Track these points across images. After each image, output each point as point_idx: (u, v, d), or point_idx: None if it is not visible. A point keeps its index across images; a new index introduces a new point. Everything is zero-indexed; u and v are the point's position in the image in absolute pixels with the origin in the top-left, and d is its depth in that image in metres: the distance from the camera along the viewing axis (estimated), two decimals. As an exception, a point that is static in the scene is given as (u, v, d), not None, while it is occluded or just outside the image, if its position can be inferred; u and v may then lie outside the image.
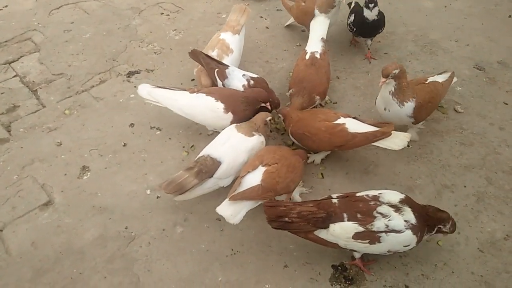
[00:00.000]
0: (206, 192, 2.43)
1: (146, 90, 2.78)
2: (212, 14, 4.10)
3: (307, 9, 3.41)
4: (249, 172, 2.27)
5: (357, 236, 2.01)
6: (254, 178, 2.24)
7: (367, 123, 2.55)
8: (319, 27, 3.18)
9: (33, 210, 2.50)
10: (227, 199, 2.21)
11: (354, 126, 2.53)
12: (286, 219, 2.07)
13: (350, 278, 2.19)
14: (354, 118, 2.59)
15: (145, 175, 2.69)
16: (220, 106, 2.67)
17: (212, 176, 2.38)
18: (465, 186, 2.60)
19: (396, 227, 2.00)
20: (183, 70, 3.46)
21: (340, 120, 2.55)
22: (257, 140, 2.51)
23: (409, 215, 2.03)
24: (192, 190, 2.36)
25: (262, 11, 4.13)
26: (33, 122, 3.04)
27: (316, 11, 3.28)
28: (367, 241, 2.02)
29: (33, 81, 3.39)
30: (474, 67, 3.44)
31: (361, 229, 2.01)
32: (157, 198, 2.57)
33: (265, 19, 4.02)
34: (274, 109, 2.85)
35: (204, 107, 2.70)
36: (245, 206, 2.21)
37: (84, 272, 2.23)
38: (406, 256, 2.27)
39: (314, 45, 3.07)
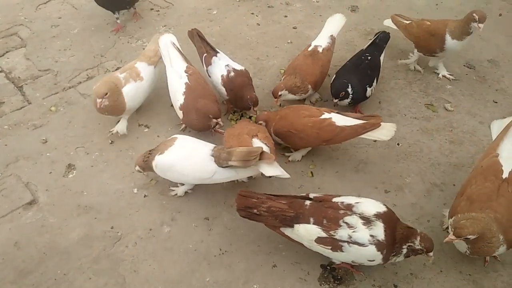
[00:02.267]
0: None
1: (165, 41, 2.90)
2: (203, 10, 4.05)
3: (435, 30, 3.09)
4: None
5: (319, 240, 2.01)
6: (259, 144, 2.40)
7: (352, 117, 2.55)
8: (333, 24, 3.17)
9: (17, 210, 2.45)
10: (265, 164, 2.23)
11: (341, 120, 2.53)
12: (255, 211, 2.11)
13: (339, 277, 2.17)
14: (337, 112, 2.58)
15: (132, 173, 2.64)
16: (180, 99, 2.71)
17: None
18: (454, 185, 2.59)
19: (359, 240, 1.95)
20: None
21: (326, 115, 2.55)
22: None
23: (378, 230, 1.94)
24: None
25: (254, 7, 4.09)
26: (18, 119, 2.98)
27: (448, 37, 3.02)
28: (330, 247, 2.00)
29: (19, 77, 3.33)
30: (464, 65, 3.44)
31: (324, 234, 1.99)
32: (144, 197, 2.53)
33: (256, 16, 3.99)
34: (253, 106, 2.81)
35: (173, 89, 2.79)
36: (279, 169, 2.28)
37: (69, 273, 2.18)
38: (396, 256, 2.26)
39: (321, 39, 3.08)
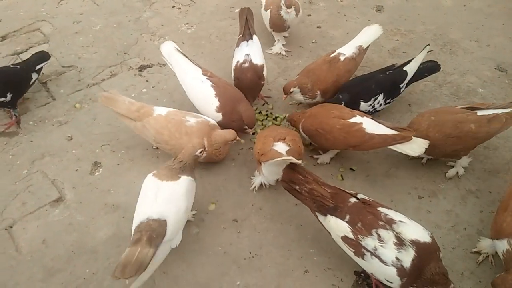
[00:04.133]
0: (159, 263, 2.01)
1: (168, 49, 2.80)
2: (225, 8, 4.01)
3: None
4: (271, 147, 2.32)
5: (345, 239, 1.96)
6: (283, 148, 2.31)
7: (384, 125, 2.44)
8: (367, 34, 3.04)
9: (44, 207, 2.42)
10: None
11: (372, 126, 2.42)
12: (297, 187, 2.13)
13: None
14: (371, 118, 2.49)
15: (159, 172, 2.61)
16: (215, 103, 2.63)
17: (163, 240, 1.97)
18: (490, 192, 2.52)
19: (383, 257, 1.86)
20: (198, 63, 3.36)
21: (357, 119, 2.45)
22: (186, 181, 2.15)
23: (407, 257, 1.83)
24: (150, 265, 1.89)
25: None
26: (42, 115, 2.96)
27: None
28: (353, 250, 1.95)
29: (43, 72, 3.29)
30: (495, 68, 3.35)
31: (351, 236, 1.94)
32: (172, 196, 2.49)
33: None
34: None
35: (202, 95, 2.69)
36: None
37: (98, 272, 2.15)
38: (432, 263, 2.19)
39: (347, 48, 2.96)
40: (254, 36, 3.04)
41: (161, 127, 2.45)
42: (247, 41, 2.99)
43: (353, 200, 2.04)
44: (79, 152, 2.72)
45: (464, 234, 2.32)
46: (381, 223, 1.92)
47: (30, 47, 3.53)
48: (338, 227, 1.98)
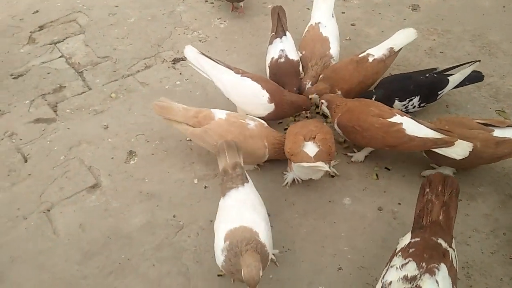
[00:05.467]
0: None
1: (193, 54, 2.72)
2: (258, 4, 3.99)
3: None
4: (301, 148, 2.27)
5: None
6: (311, 148, 2.26)
7: (425, 126, 2.36)
8: (400, 37, 2.93)
9: (81, 192, 2.46)
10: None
11: (413, 127, 2.35)
12: (428, 190, 2.00)
13: (409, 285, 2.08)
14: (411, 117, 2.42)
15: (192, 164, 2.62)
16: (265, 94, 2.61)
17: None
18: (530, 197, 2.46)
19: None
20: (229, 59, 3.35)
21: (397, 119, 2.38)
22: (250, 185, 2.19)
23: None
24: None
25: (309, 2, 3.96)
26: (79, 103, 3.01)
27: None
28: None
29: (79, 62, 3.36)
30: (538, 69, 3.26)
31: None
32: (205, 188, 2.51)
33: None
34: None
35: (248, 91, 2.64)
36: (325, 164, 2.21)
37: (133, 258, 2.17)
38: (470, 268, 2.15)
39: (377, 49, 2.88)
40: (287, 33, 3.03)
41: (225, 131, 2.40)
42: (281, 38, 2.98)
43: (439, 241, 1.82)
44: (115, 140, 2.75)
45: (503, 239, 2.26)
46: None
47: (66, 37, 3.60)
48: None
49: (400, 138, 2.36)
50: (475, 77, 2.84)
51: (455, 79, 2.75)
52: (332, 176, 2.55)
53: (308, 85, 2.89)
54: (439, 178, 2.01)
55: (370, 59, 2.83)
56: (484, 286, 2.09)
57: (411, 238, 1.86)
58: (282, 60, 2.85)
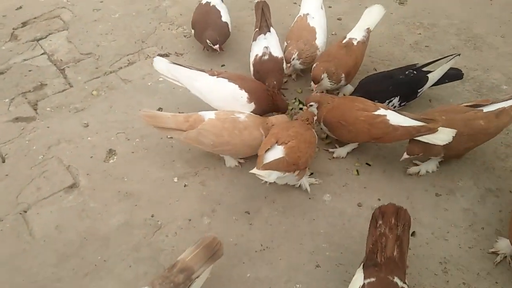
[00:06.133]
0: None
1: (163, 65, 2.66)
2: (244, -1, 3.97)
3: None
4: (268, 149, 2.23)
5: None
6: (276, 154, 2.21)
7: (408, 117, 2.40)
8: (370, 16, 3.00)
9: (58, 192, 2.44)
10: (256, 168, 2.16)
11: (396, 118, 2.39)
12: (381, 222, 1.91)
13: (386, 282, 2.07)
14: (394, 110, 2.46)
15: (172, 162, 2.60)
16: (244, 94, 2.58)
17: None
18: (510, 191, 2.44)
19: None
20: (213, 55, 3.34)
21: (381, 111, 2.42)
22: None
23: None
24: None
25: (297, -3, 3.97)
26: (60, 101, 2.98)
27: None
28: None
29: (61, 59, 3.33)
30: (522, 63, 3.24)
31: None
32: (185, 186, 2.49)
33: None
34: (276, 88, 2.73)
35: (226, 93, 2.60)
36: (275, 172, 2.16)
37: (109, 259, 2.16)
38: (447, 263, 2.14)
39: (356, 32, 2.93)
40: (272, 29, 2.99)
41: (219, 129, 2.39)
42: (265, 34, 2.94)
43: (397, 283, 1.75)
44: (95, 139, 2.73)
45: (481, 234, 2.25)
46: None
47: (49, 34, 3.56)
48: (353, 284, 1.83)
49: (384, 129, 2.38)
50: (454, 75, 2.83)
51: (434, 75, 2.75)
52: (310, 173, 2.54)
53: (295, 55, 2.87)
54: (391, 210, 1.93)
55: (355, 42, 2.87)
56: (461, 281, 2.08)
57: (364, 278, 1.76)
58: (266, 57, 2.82)
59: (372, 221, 1.95)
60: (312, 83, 2.76)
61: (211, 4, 3.28)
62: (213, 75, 2.63)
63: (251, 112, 2.60)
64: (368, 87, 2.74)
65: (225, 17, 3.22)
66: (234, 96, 2.59)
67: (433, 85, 2.79)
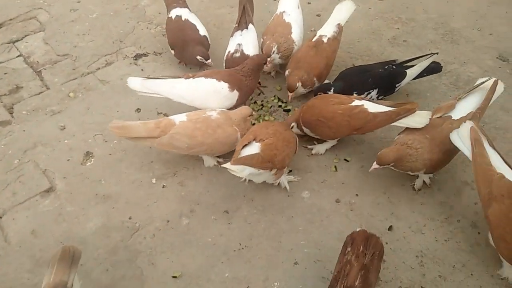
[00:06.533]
0: None
1: (138, 83, 2.59)
2: (223, -4, 3.94)
3: None
4: (245, 145, 2.23)
5: None
6: (252, 150, 2.21)
7: (384, 104, 2.44)
8: (341, 11, 3.01)
9: (34, 197, 2.41)
10: (229, 163, 2.15)
11: (373, 106, 2.42)
12: (349, 249, 1.88)
13: (363, 278, 2.08)
14: (368, 100, 2.49)
15: (151, 163, 2.59)
16: (224, 85, 2.58)
17: None
18: (486, 184, 2.47)
19: None
20: (192, 53, 3.32)
21: (357, 102, 2.44)
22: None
23: None
24: None
25: (276, -6, 3.96)
26: (36, 104, 2.94)
27: None
28: None
29: (37, 61, 3.28)
30: (497, 57, 3.27)
31: None
32: (163, 187, 2.47)
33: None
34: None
35: (206, 90, 2.59)
36: (248, 168, 2.15)
37: (86, 263, 2.14)
38: (424, 256, 2.16)
39: (327, 29, 2.93)
40: (250, 26, 2.98)
41: (192, 130, 2.37)
42: (242, 30, 2.94)
43: None
44: (72, 141, 2.70)
45: (457, 226, 2.28)
46: None
47: (26, 35, 3.51)
48: None
49: (364, 118, 2.40)
50: (433, 68, 2.84)
51: (413, 72, 2.76)
52: (289, 170, 2.54)
53: (274, 48, 2.85)
54: (362, 237, 1.89)
55: (325, 39, 2.86)
56: (437, 274, 2.11)
57: None
58: (238, 55, 2.82)
59: (342, 249, 1.91)
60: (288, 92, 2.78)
61: (183, 19, 3.13)
62: (188, 78, 2.61)
63: (237, 99, 2.62)
64: (348, 78, 2.75)
65: (202, 30, 3.11)
66: (215, 89, 2.58)
67: (412, 79, 2.81)
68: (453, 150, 2.29)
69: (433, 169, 2.34)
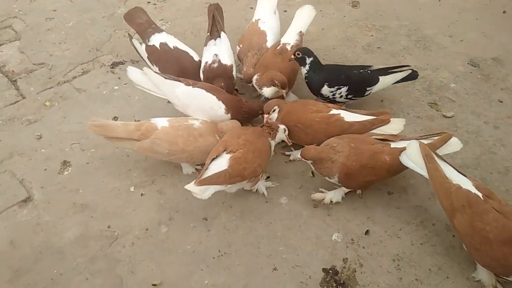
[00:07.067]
0: None
1: (137, 74, 2.61)
2: (200, 4, 3.98)
3: None
4: (214, 158, 2.23)
5: None
6: (220, 164, 2.20)
7: (361, 114, 2.54)
8: (302, 18, 3.04)
9: (12, 207, 2.38)
10: (194, 182, 2.15)
11: (350, 115, 2.52)
12: None
13: (341, 282, 2.12)
14: (345, 109, 2.57)
15: (128, 171, 2.59)
16: (222, 106, 2.60)
17: None
18: (459, 186, 2.54)
19: None
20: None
21: (334, 111, 2.52)
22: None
23: None
24: None
25: (253, 1, 3.99)
26: (12, 114, 2.91)
27: None
28: None
29: (13, 70, 3.26)
30: (468, 63, 3.37)
31: None
32: (141, 195, 2.47)
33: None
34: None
35: (205, 103, 2.60)
36: (214, 187, 2.17)
37: (65, 273, 2.12)
38: (400, 260, 2.21)
39: (289, 37, 2.97)
40: (222, 34, 2.98)
41: (174, 136, 2.37)
42: (215, 39, 2.94)
43: None
44: (48, 151, 2.68)
45: (432, 230, 2.33)
46: None
47: (0, 45, 3.47)
48: None
49: (341, 126, 2.48)
50: (409, 75, 2.88)
51: (385, 80, 2.82)
52: (267, 177, 2.57)
53: (254, 76, 2.84)
54: None
55: (289, 47, 2.90)
56: (413, 277, 2.15)
57: None
58: (216, 65, 2.82)
59: None
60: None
61: (171, 46, 3.02)
62: (188, 84, 2.61)
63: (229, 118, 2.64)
64: (325, 70, 2.79)
65: (196, 56, 3.03)
66: (212, 106, 2.59)
67: (387, 86, 2.87)
68: (374, 171, 2.29)
69: (346, 178, 2.31)
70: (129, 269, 2.15)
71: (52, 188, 2.48)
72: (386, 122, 2.49)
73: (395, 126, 2.50)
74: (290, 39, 2.95)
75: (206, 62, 2.86)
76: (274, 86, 2.71)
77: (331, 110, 2.53)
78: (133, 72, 2.63)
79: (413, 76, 2.92)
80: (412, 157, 2.20)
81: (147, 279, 2.12)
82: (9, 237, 2.26)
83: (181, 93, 2.59)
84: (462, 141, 2.67)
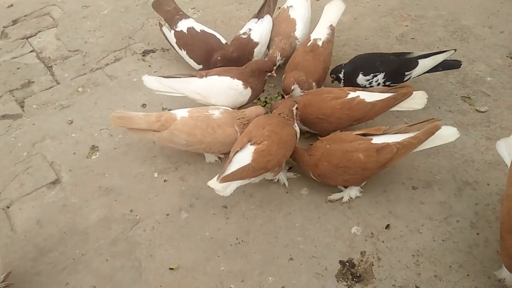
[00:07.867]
0: None
1: (153, 81, 2.64)
2: (232, -7, 3.97)
3: None
4: (238, 151, 2.21)
5: None
6: (244, 157, 2.18)
7: (378, 91, 2.50)
8: (331, 12, 2.96)
9: (41, 188, 2.49)
10: (217, 176, 2.16)
11: (369, 95, 2.47)
12: None
13: (357, 275, 2.09)
14: (362, 90, 2.53)
15: (154, 157, 2.64)
16: (239, 83, 2.63)
17: None
18: (488, 184, 2.44)
19: None
20: (200, 50, 3.35)
21: (352, 94, 2.47)
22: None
23: None
24: None
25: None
26: (46, 98, 3.03)
27: None
28: None
29: (49, 57, 3.37)
30: (507, 56, 3.21)
31: None
32: (164, 181, 2.52)
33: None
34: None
35: (222, 86, 2.64)
36: (236, 182, 2.17)
37: (87, 253, 2.20)
38: (420, 255, 2.15)
39: (320, 32, 2.88)
40: (267, 16, 3.04)
41: (192, 128, 2.39)
42: (258, 19, 3.03)
43: None
44: (78, 135, 2.77)
45: (456, 227, 2.26)
46: None
47: (39, 31, 3.61)
48: None
49: (364, 108, 2.45)
50: (450, 64, 2.77)
51: (425, 63, 2.70)
52: (289, 167, 2.56)
53: (278, 57, 2.91)
54: None
55: (320, 43, 2.83)
56: (432, 274, 2.09)
57: None
58: (244, 36, 2.95)
59: None
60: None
61: (198, 30, 3.11)
62: (202, 76, 2.64)
63: (249, 97, 2.69)
64: (357, 60, 2.77)
65: (223, 39, 3.09)
66: (231, 86, 2.64)
67: (427, 72, 2.75)
68: (349, 170, 2.23)
69: (321, 179, 2.34)
70: (148, 253, 2.20)
71: (80, 172, 2.57)
72: (409, 94, 2.44)
73: (418, 100, 2.48)
74: (320, 34, 2.87)
75: (239, 33, 2.98)
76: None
77: (349, 93, 2.48)
78: (148, 81, 2.65)
79: (455, 64, 2.78)
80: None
81: (165, 263, 2.17)
82: (37, 217, 2.36)
83: (198, 87, 2.63)
84: (495, 137, 2.58)
